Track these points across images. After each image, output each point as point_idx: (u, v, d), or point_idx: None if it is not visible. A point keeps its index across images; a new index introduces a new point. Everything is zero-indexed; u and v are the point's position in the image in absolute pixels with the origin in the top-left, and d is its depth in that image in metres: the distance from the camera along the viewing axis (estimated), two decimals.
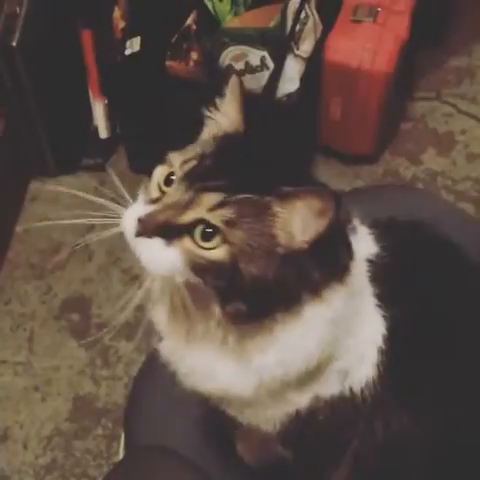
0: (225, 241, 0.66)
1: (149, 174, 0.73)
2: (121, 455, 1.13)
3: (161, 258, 0.67)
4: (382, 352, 0.75)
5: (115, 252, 1.71)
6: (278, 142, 0.74)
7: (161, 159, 0.73)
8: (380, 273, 0.76)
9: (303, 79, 1.64)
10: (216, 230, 0.66)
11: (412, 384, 0.77)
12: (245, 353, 0.72)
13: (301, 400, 0.76)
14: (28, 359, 1.61)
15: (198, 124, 0.76)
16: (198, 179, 0.68)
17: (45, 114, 1.73)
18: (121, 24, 1.68)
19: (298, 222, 0.66)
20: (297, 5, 1.59)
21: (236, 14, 1.67)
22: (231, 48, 1.60)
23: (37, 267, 1.74)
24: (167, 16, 1.64)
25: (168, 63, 1.61)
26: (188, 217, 0.67)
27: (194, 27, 1.62)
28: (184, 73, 1.62)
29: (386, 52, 1.64)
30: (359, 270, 0.74)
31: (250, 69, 1.61)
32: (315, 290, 0.69)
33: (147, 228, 0.67)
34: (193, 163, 0.69)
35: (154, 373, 1.08)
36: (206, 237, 0.66)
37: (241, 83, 0.74)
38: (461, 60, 2.03)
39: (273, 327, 0.70)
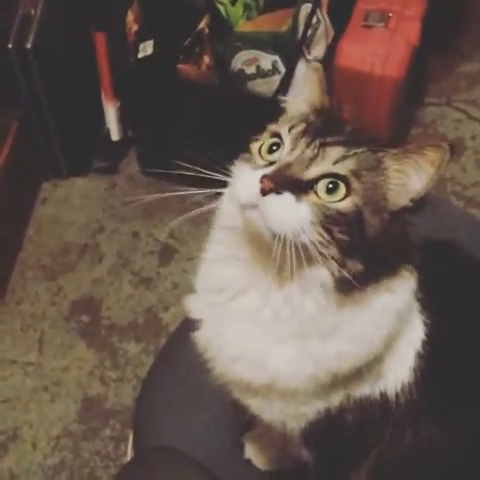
0: (349, 193, 0.68)
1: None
2: (129, 456, 1.13)
3: (292, 214, 0.66)
4: (420, 357, 0.76)
5: (125, 254, 1.72)
6: None
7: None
8: (421, 280, 0.76)
9: None
10: (339, 183, 0.68)
11: (447, 396, 0.77)
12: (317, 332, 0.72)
13: (333, 398, 0.76)
14: (38, 360, 1.62)
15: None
16: (318, 136, 0.69)
17: (58, 116, 1.74)
18: (134, 27, 1.68)
19: (411, 173, 0.69)
20: (309, 10, 1.60)
21: (248, 18, 1.67)
22: (243, 52, 1.60)
23: (48, 268, 1.75)
24: (180, 20, 1.65)
25: (180, 66, 1.62)
26: (315, 171, 0.68)
27: (206, 31, 1.63)
28: (196, 76, 1.62)
29: (397, 57, 1.65)
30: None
31: (261, 73, 1.62)
32: (411, 262, 0.72)
33: (277, 183, 0.66)
34: (302, 126, 0.71)
35: (163, 375, 1.09)
36: (330, 191, 0.68)
37: (321, 68, 0.78)
38: (472, 66, 2.02)
39: (365, 299, 0.70)
